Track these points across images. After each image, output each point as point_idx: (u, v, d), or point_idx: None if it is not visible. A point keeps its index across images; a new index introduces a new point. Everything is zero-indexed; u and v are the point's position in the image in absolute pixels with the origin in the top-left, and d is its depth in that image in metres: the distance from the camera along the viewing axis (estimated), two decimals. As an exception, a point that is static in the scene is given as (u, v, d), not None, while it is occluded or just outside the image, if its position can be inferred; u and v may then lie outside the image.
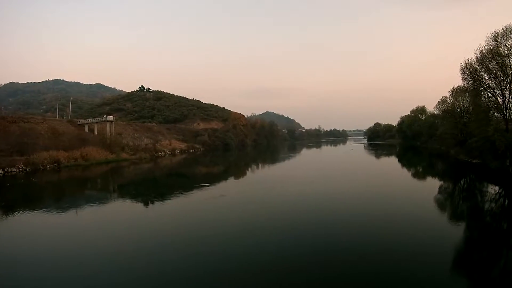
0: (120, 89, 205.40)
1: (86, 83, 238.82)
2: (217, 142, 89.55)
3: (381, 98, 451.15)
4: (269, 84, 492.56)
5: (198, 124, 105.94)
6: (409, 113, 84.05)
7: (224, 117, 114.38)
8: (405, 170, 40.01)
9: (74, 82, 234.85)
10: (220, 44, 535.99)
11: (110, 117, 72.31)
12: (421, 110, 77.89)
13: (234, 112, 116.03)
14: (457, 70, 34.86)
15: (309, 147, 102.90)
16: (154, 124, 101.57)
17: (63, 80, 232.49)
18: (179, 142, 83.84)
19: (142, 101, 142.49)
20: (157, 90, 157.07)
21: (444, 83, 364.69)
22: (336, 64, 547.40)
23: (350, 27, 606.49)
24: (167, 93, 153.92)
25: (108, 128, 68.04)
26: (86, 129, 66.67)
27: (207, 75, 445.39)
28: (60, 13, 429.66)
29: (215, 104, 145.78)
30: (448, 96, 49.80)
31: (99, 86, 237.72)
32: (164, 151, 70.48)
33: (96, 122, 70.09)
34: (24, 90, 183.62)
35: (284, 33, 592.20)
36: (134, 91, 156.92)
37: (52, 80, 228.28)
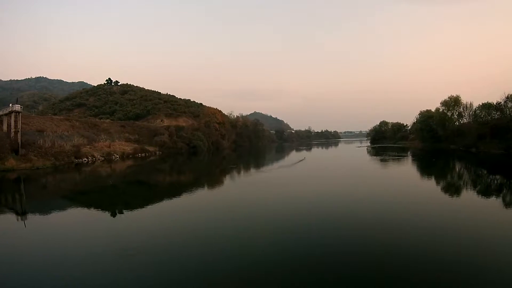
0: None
1: (69, 81, 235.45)
2: (180, 143, 67.08)
3: (374, 99, 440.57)
4: (256, 85, 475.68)
5: (162, 120, 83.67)
6: (439, 106, 62.23)
7: (196, 113, 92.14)
8: None
9: (57, 80, 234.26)
10: (206, 44, 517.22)
11: (17, 107, 49.76)
12: (454, 101, 57.64)
13: (208, 107, 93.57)
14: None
15: (299, 150, 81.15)
16: (104, 120, 79.53)
17: (45, 77, 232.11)
18: (126, 143, 61.75)
19: (106, 95, 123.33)
20: (126, 84, 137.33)
21: (445, 84, 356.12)
22: (327, 64, 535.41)
23: (341, 27, 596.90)
24: (136, 86, 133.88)
25: (12, 122, 46.50)
26: None
27: (192, 75, 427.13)
28: (44, 12, 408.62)
29: (191, 100, 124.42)
30: None
31: (81, 84, 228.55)
32: (92, 156, 48.43)
33: (5, 115, 48.96)
34: (5, 87, 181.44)
35: (272, 32, 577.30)
36: (101, 84, 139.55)
37: (34, 77, 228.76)
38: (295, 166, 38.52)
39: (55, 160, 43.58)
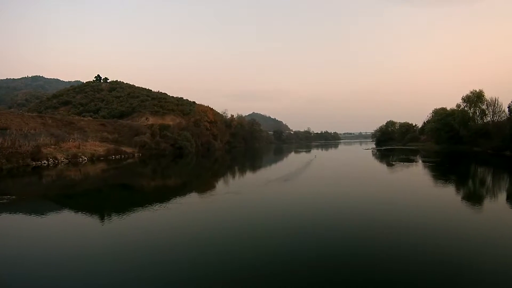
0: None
1: (65, 80, 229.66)
2: (163, 144, 59.49)
3: (374, 101, 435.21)
4: (256, 86, 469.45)
5: (147, 119, 76.18)
6: (460, 103, 54.08)
7: (186, 111, 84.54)
8: None
9: (54, 79, 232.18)
10: (206, 45, 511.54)
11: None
12: (477, 97, 50.41)
13: (198, 104, 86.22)
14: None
15: (298, 152, 73.56)
16: (83, 118, 72.38)
17: (42, 76, 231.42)
18: (100, 144, 54.33)
19: (93, 92, 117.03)
20: (115, 81, 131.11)
21: (446, 86, 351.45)
22: (327, 65, 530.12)
23: (341, 28, 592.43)
24: (125, 83, 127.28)
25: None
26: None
27: (191, 76, 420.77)
28: (43, 11, 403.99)
29: (184, 98, 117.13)
30: None
31: (78, 83, 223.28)
32: (54, 158, 41.07)
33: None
34: (1, 86, 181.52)
35: (272, 32, 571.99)
36: (90, 81, 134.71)
37: (31, 76, 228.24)
38: (300, 173, 30.82)
39: (6, 162, 36.22)
